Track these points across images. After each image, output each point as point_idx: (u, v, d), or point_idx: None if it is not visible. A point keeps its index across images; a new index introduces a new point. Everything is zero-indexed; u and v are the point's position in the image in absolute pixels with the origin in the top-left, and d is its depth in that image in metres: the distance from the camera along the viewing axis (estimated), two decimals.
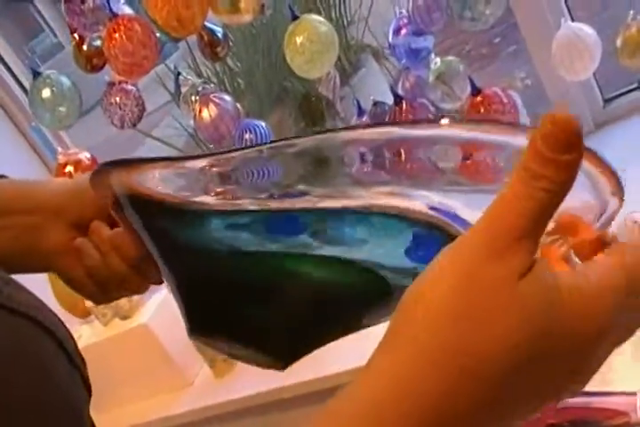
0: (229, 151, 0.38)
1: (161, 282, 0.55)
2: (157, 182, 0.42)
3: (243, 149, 0.38)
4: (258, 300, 0.41)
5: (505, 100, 0.94)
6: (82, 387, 0.51)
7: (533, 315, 0.24)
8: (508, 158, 0.31)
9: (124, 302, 1.57)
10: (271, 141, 0.38)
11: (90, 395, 0.53)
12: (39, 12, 6.39)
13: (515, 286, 0.24)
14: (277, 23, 1.66)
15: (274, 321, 0.41)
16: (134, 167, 0.42)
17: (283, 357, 0.43)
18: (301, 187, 0.38)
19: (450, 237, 0.32)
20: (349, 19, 1.83)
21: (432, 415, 0.25)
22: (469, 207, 0.34)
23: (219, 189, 0.41)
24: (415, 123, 0.36)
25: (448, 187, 0.36)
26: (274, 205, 0.39)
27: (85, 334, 1.66)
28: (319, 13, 1.72)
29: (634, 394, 0.75)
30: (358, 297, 0.40)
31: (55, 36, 5.95)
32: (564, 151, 0.24)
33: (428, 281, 0.26)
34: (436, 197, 0.35)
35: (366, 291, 0.39)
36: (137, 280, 0.55)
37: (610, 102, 1.32)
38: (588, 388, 0.27)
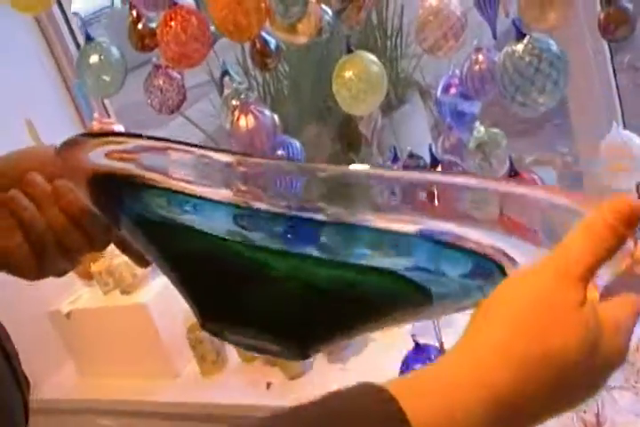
0: (260, 157, 0.38)
1: (104, 247, 0.52)
2: (175, 166, 0.41)
3: (274, 158, 0.38)
4: (262, 288, 0.41)
5: None
6: (20, 406, 0.52)
7: (590, 331, 0.33)
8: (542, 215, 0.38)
9: (127, 275, 1.57)
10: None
11: (27, 420, 0.52)
12: None
13: (579, 309, 0.33)
14: (334, 40, 1.66)
15: (285, 309, 0.41)
16: (110, 142, 0.40)
17: (299, 347, 0.43)
18: (320, 204, 0.39)
19: (500, 267, 0.38)
20: (403, 51, 1.82)
21: (507, 398, 0.32)
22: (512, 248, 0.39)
23: (242, 188, 0.41)
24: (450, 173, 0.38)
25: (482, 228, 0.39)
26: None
27: (85, 296, 1.68)
28: (375, 41, 1.71)
29: None
30: (384, 300, 0.41)
31: None
32: (627, 226, 0.34)
33: (511, 292, 0.35)
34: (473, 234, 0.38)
35: (396, 295, 0.41)
36: (78, 239, 0.51)
37: None
38: None
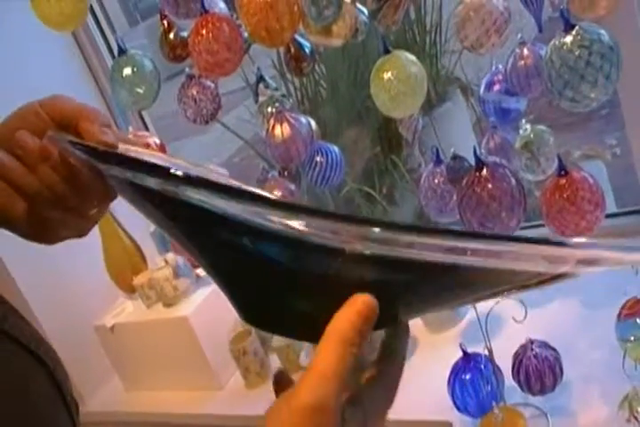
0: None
1: (111, 198, 0.51)
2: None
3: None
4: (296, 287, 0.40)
5: (594, 189, 0.87)
6: None
7: None
8: None
9: (169, 289, 1.57)
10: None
11: None
12: None
13: None
14: (371, 38, 1.61)
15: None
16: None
17: None
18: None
19: None
20: (443, 46, 1.76)
21: None
22: None
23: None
24: None
25: None
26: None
27: (128, 309, 1.68)
28: (414, 38, 1.65)
29: None
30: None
31: None
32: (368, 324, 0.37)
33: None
34: None
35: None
36: (74, 197, 0.50)
37: None
38: None
